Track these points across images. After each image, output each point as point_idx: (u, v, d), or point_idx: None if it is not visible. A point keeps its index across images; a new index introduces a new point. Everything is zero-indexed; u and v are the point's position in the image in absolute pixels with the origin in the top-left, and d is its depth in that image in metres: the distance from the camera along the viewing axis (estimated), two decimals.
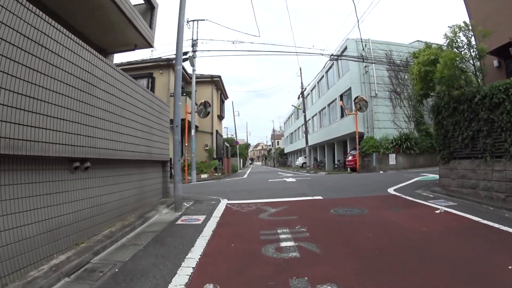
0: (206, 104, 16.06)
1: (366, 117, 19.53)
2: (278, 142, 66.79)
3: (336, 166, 23.74)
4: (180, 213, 6.13)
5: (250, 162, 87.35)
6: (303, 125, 35.97)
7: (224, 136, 46.00)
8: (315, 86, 29.74)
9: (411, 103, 20.62)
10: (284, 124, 56.45)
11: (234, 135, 42.11)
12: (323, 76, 27.05)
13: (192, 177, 15.38)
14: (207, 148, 21.30)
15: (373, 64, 19.78)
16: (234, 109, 45.31)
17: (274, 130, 70.28)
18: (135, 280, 2.73)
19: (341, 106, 20.05)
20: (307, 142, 25.08)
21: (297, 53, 20.86)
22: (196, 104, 16.16)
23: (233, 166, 29.03)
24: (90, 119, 3.92)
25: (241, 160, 47.24)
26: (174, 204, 6.36)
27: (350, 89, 20.31)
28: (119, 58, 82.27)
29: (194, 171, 15.45)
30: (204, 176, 17.30)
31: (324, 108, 26.34)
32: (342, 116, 21.70)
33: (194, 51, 16.07)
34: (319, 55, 18.32)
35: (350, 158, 19.86)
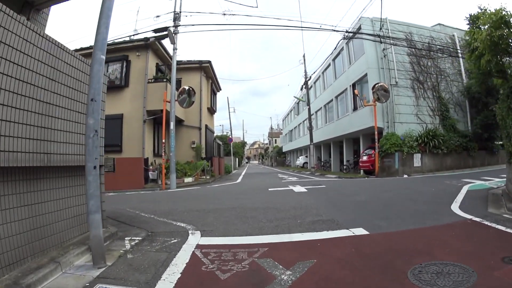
0: (190, 92, 13.13)
1: (386, 109, 16.38)
2: (276, 140, 63.92)
3: (345, 167, 20.71)
4: (99, 271, 3.07)
5: (246, 161, 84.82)
6: (305, 121, 32.95)
7: (219, 134, 43.31)
8: (319, 77, 26.64)
9: (436, 94, 17.89)
10: (283, 121, 53.40)
11: (230, 132, 39.20)
12: (329, 65, 24.04)
13: (171, 182, 12.35)
14: (194, 145, 18.20)
15: (393, 47, 16.86)
16: (229, 105, 42.50)
17: (272, 128, 67.40)
18: None
19: (356, 96, 16.96)
20: (311, 140, 22.19)
21: (302, 28, 17.54)
22: (177, 91, 13.41)
23: (226, 166, 26.02)
24: None
25: (237, 159, 44.23)
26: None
27: (365, 75, 17.25)
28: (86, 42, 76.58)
29: (173, 174, 12.39)
30: (188, 180, 14.33)
31: (331, 101, 23.28)
32: (355, 108, 18.67)
33: (176, 26, 13.13)
34: (330, 31, 15.26)
35: (364, 158, 16.76)
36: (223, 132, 46.60)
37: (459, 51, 19.08)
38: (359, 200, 6.98)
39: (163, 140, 12.76)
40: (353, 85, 18.86)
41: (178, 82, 18.67)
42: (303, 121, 34.02)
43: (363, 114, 17.44)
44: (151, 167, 14.09)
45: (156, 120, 15.34)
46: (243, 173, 25.36)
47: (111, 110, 15.57)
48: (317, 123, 27.35)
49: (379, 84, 15.49)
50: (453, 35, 19.44)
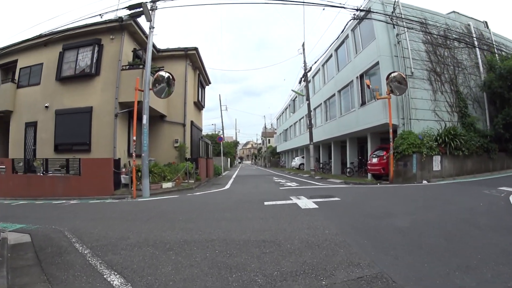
0: (169, 80, 10.89)
1: (401, 103, 14.24)
2: (269, 140, 61.57)
3: (348, 170, 18.42)
4: None
5: (239, 161, 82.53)
6: (302, 119, 30.81)
7: (210, 133, 41.00)
8: (318, 70, 24.27)
9: (454, 88, 15.79)
10: (277, 120, 50.98)
11: (222, 131, 36.97)
12: (330, 56, 21.69)
13: (143, 188, 10.12)
14: (177, 144, 15.81)
15: (407, 33, 14.71)
16: (221, 102, 40.34)
17: (265, 127, 64.51)
18: None
19: (368, 87, 14.54)
20: (311, 139, 19.92)
21: (304, 3, 15.36)
22: (153, 75, 11.04)
23: (216, 168, 23.72)
24: None
25: (229, 159, 41.75)
26: None
27: (376, 64, 15.02)
28: (56, 23, 73.54)
29: (146, 179, 10.12)
30: (167, 185, 11.92)
31: (333, 96, 20.96)
32: (363, 103, 16.41)
33: (154, 1, 10.90)
34: (339, 8, 12.91)
35: (374, 160, 14.55)
36: (215, 131, 44.51)
37: (475, 40, 17.38)
38: (400, 227, 4.62)
39: (134, 138, 10.32)
40: (361, 77, 16.57)
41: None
42: (300, 119, 31.95)
43: (373, 109, 15.20)
44: (123, 170, 11.77)
45: (131, 114, 13.12)
46: (234, 176, 23.03)
47: (78, 103, 12.98)
48: (316, 121, 24.94)
49: (394, 74, 13.24)
50: (469, 25, 17.43)
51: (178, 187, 12.25)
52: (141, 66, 12.63)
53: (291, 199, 7.68)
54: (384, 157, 14.20)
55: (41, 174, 12.20)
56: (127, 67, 12.76)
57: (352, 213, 5.90)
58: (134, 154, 10.21)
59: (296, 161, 33.81)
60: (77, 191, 11.15)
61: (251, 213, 6.05)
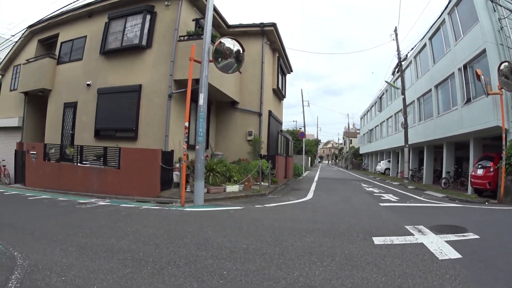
0: (238, 54, 8.91)
1: (511, 102, 11.38)
2: (351, 140, 58.55)
3: (444, 181, 15.44)
4: None
5: (319, 160, 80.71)
6: (390, 118, 27.85)
7: (290, 129, 38.61)
8: (410, 63, 20.93)
9: None
10: (361, 119, 47.58)
11: (303, 128, 34.72)
12: (424, 46, 18.44)
13: (195, 194, 7.68)
14: (251, 138, 13.37)
15: (506, 19, 11.62)
16: (303, 97, 38.17)
17: (348, 126, 61.37)
18: None
19: (478, 77, 11.46)
20: (406, 140, 17.01)
21: None
22: (213, 44, 8.62)
23: (296, 168, 21.14)
24: None
25: (309, 158, 39.17)
26: None
27: (483, 53, 12.09)
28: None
29: (200, 181, 7.69)
30: (232, 188, 9.55)
31: (428, 92, 17.80)
32: (467, 100, 13.21)
33: None
34: None
35: (479, 172, 11.74)
36: (296, 128, 42.64)
37: None
38: None
39: (186, 123, 7.89)
40: (464, 68, 13.45)
41: None
42: (387, 119, 28.81)
43: (480, 108, 12.14)
44: (177, 165, 9.45)
45: (192, 95, 11.11)
46: (315, 178, 20.42)
47: (124, 80, 10.60)
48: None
49: (505, 64, 10.64)
50: None
51: (246, 192, 9.68)
52: (202, 36, 10.69)
53: (411, 233, 4.89)
54: (491, 169, 11.27)
55: (75, 164, 10.78)
56: (186, 37, 10.37)
57: None
58: (185, 146, 7.81)
59: (382, 165, 31.28)
60: (114, 188, 9.06)
61: (359, 271, 3.16)
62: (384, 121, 30.94)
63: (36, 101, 14.44)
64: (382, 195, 11.55)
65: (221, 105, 13.72)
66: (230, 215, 6.20)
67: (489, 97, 11.37)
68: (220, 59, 8.52)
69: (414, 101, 20.13)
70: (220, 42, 8.42)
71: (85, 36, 12.58)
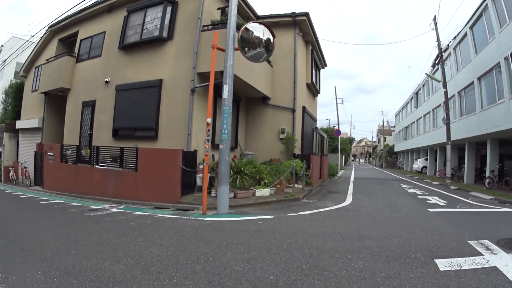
0: (269, 44, 7.37)
1: None
2: (385, 138, 56.37)
3: (488, 181, 14.05)
4: None
5: (352, 158, 78.54)
6: (428, 114, 26.35)
7: (324, 127, 36.92)
8: (449, 54, 19.26)
9: None
10: (396, 116, 46.01)
11: (337, 125, 33.54)
12: (464, 36, 16.91)
13: (219, 200, 6.67)
14: (284, 136, 12.13)
15: None
16: (336, 94, 37.07)
17: (383, 123, 59.47)
18: None
19: None
20: (449, 137, 15.44)
21: None
22: (238, 31, 7.37)
23: (331, 167, 19.96)
24: None
25: (343, 157, 37.79)
26: None
27: None
28: None
29: (225, 186, 6.65)
30: (263, 192, 8.41)
31: (470, 84, 16.27)
32: None
33: None
34: None
35: None
36: (329, 125, 41.50)
37: None
38: None
39: (208, 120, 6.97)
40: (511, 56, 12.05)
41: None
42: (424, 115, 27.30)
43: None
44: (200, 167, 8.34)
45: (217, 89, 10.10)
46: (352, 178, 19.20)
47: (144, 75, 9.59)
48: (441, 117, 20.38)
49: None
50: None
51: (278, 196, 8.55)
52: (217, 23, 9.41)
53: (479, 252, 3.86)
54: None
55: (92, 166, 10.00)
56: (210, 27, 9.36)
57: None
58: (207, 145, 6.85)
59: (419, 163, 29.85)
60: (130, 192, 8.23)
61: None
62: (421, 117, 29.31)
63: (56, 101, 13.94)
64: (427, 197, 10.33)
65: (251, 101, 12.66)
66: (257, 228, 5.13)
67: None
68: (247, 48, 7.44)
69: (454, 95, 18.46)
70: (247, 28, 7.33)
71: (104, 32, 11.88)
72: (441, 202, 9.20)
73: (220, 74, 7.80)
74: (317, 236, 4.64)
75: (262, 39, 7.55)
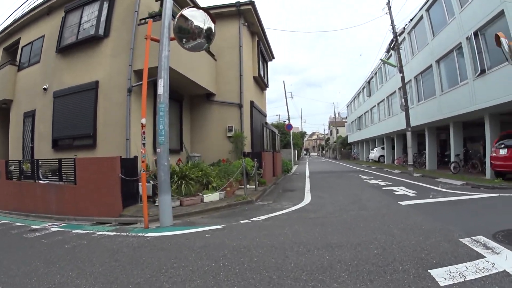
0: (210, 33, 6.59)
1: None
2: (338, 130, 55.75)
3: (454, 165, 13.55)
4: None
5: (305, 153, 77.00)
6: (382, 102, 25.94)
7: (274, 122, 35.44)
8: (403, 40, 18.78)
9: None
10: (347, 107, 45.41)
11: (288, 120, 32.81)
12: (420, 19, 16.46)
13: (161, 210, 5.75)
14: (232, 134, 11.34)
15: None
16: (285, 88, 36.45)
17: (335, 115, 58.89)
18: None
19: (498, 43, 8.83)
20: (408, 123, 15.03)
21: None
22: (174, 18, 6.59)
23: (284, 163, 19.10)
24: None
25: (296, 151, 36.61)
26: None
27: (500, 15, 10.20)
28: None
29: (166, 195, 5.77)
30: (212, 197, 7.59)
31: (428, 68, 15.84)
32: (481, 72, 11.24)
33: None
34: None
35: (503, 152, 9.96)
36: (280, 121, 40.71)
37: None
38: None
39: (143, 120, 6.08)
40: (475, 35, 11.53)
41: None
42: (378, 103, 26.84)
43: (499, 78, 10.31)
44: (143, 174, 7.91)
45: (156, 87, 9.31)
46: (307, 174, 18.10)
47: (80, 78, 8.55)
48: (398, 104, 19.71)
49: None
50: None
51: (229, 200, 7.71)
52: (153, 14, 8.60)
53: (479, 253, 3.23)
54: None
55: (34, 182, 9.12)
56: (147, 19, 8.87)
57: None
58: (143, 150, 5.92)
59: (375, 152, 29.24)
60: (72, 208, 7.37)
61: None
62: (374, 106, 28.71)
63: (1, 114, 12.83)
64: (393, 188, 9.66)
65: (195, 99, 11.76)
66: (204, 244, 4.27)
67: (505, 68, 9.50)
68: (186, 39, 6.77)
69: (410, 80, 18.00)
70: (184, 17, 6.59)
71: (43, 36, 10.92)
72: (410, 192, 8.62)
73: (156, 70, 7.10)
74: (276, 249, 3.81)
75: (202, 28, 6.87)
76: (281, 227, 5.02)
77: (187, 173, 7.48)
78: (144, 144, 6.02)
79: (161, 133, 5.89)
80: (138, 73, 8.18)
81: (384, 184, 10.88)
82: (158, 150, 5.94)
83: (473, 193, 7.98)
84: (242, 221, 5.65)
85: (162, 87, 6.05)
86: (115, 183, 6.95)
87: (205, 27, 6.83)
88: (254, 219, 5.84)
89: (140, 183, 7.27)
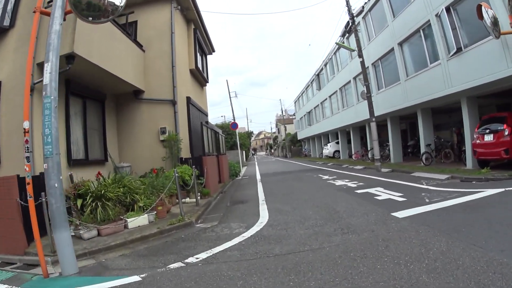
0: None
1: None
2: (286, 127, 53.63)
3: (425, 156, 12.60)
4: None
5: (253, 152, 74.15)
6: (334, 95, 24.43)
7: (218, 123, 33.81)
8: (358, 24, 17.78)
9: None
10: (295, 103, 43.58)
11: (233, 119, 31.09)
12: (377, 1, 15.51)
13: (60, 251, 4.08)
14: (164, 137, 9.49)
15: None
16: (229, 88, 34.69)
17: (282, 112, 56.60)
18: None
19: (480, 15, 7.89)
20: (372, 112, 13.32)
21: None
22: None
23: (232, 166, 17.09)
24: None
25: (243, 152, 34.35)
26: None
27: None
28: None
29: (62, 230, 4.06)
30: (139, 222, 5.91)
31: (389, 52, 14.59)
32: (457, 50, 10.05)
33: None
34: None
35: (488, 138, 9.05)
36: (225, 122, 38.97)
37: None
38: None
39: (24, 124, 4.51)
40: (447, 10, 10.31)
41: (133, 25, 10.94)
42: (330, 96, 25.18)
43: (479, 56, 9.14)
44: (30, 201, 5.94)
45: (68, 86, 7.26)
46: (259, 178, 15.71)
47: None
48: (358, 92, 18.18)
49: None
50: None
51: (161, 224, 5.90)
52: None
53: None
54: (507, 132, 8.42)
55: None
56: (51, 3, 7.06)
57: None
58: (28, 166, 4.37)
59: (330, 148, 27.35)
60: None
61: None
62: (326, 99, 27.04)
63: None
64: (369, 191, 7.95)
65: (121, 98, 9.82)
66: None
67: (498, 39, 8.26)
68: (94, 17, 5.09)
69: (368, 67, 16.38)
70: None
71: None
72: (395, 195, 6.90)
73: (66, 60, 5.44)
74: None
75: (118, 6, 5.22)
76: (231, 280, 3.20)
77: (103, 192, 5.72)
78: (28, 158, 4.31)
79: (47, 140, 4.23)
80: (42, 67, 6.30)
81: (355, 186, 9.20)
82: (44, 165, 4.24)
83: (472, 189, 6.66)
84: (172, 266, 3.86)
85: (49, 74, 4.39)
86: (14, 211, 5.19)
87: (121, 4, 5.21)
88: (190, 259, 4.05)
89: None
